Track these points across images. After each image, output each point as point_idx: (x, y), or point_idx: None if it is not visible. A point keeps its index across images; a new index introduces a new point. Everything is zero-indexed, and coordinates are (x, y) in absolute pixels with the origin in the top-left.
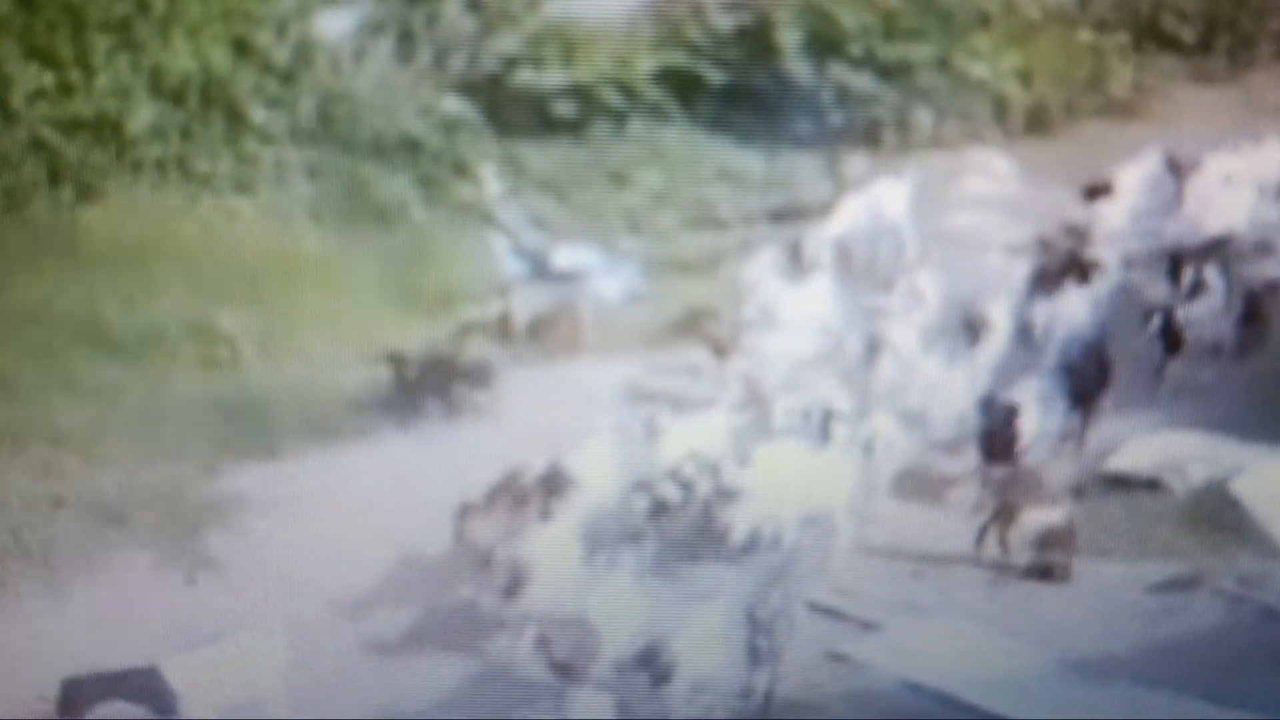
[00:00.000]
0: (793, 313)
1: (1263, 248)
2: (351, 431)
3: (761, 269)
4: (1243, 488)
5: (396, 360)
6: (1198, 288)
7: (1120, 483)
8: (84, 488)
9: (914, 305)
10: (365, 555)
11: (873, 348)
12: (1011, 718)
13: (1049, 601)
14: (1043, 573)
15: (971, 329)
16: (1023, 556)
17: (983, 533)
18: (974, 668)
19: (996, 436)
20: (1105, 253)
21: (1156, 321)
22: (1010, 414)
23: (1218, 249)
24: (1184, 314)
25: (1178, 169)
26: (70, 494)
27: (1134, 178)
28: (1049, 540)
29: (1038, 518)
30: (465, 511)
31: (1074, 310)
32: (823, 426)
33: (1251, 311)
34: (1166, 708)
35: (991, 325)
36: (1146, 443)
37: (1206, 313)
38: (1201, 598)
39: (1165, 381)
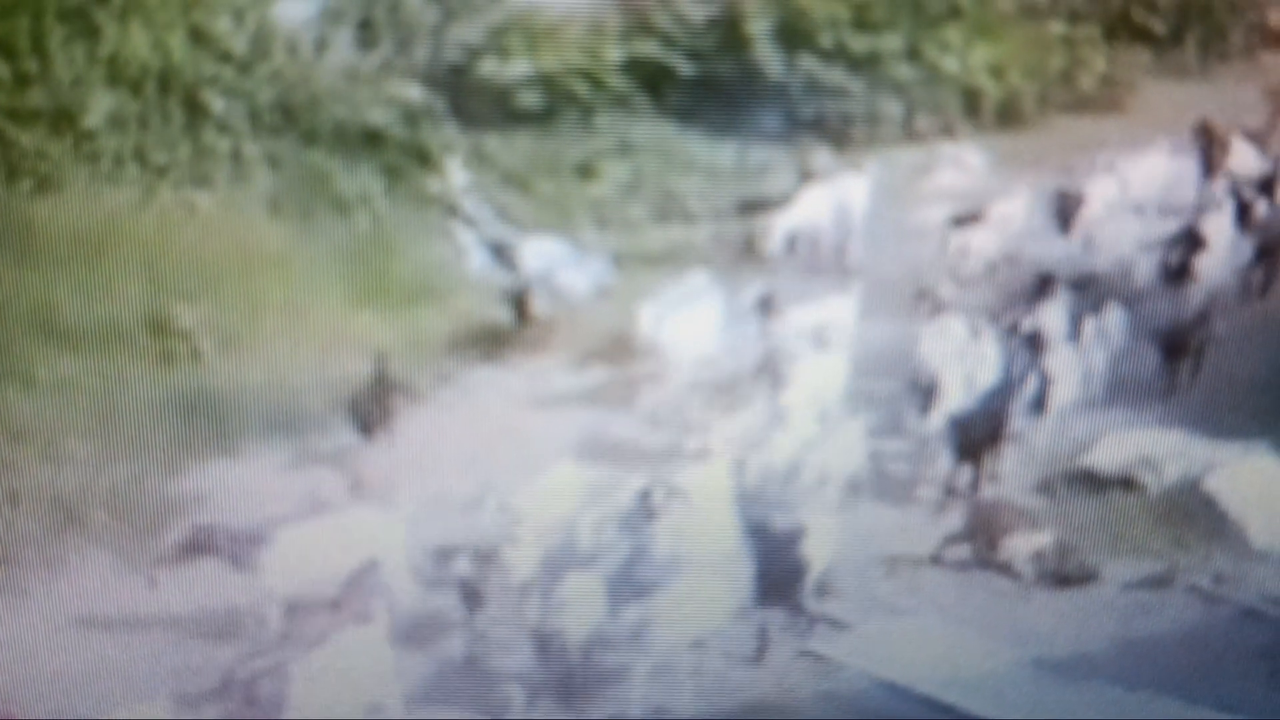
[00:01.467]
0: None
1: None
2: (314, 430)
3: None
4: (1216, 486)
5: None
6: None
7: (1094, 480)
8: (41, 485)
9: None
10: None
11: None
12: (987, 718)
13: (1022, 600)
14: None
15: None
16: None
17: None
18: (949, 667)
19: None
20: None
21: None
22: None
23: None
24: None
25: (1066, 200)
26: (27, 491)
27: (1013, 207)
28: (1046, 556)
29: (1023, 541)
30: None
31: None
32: None
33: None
34: (1142, 708)
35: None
36: (1120, 440)
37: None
38: (1177, 597)
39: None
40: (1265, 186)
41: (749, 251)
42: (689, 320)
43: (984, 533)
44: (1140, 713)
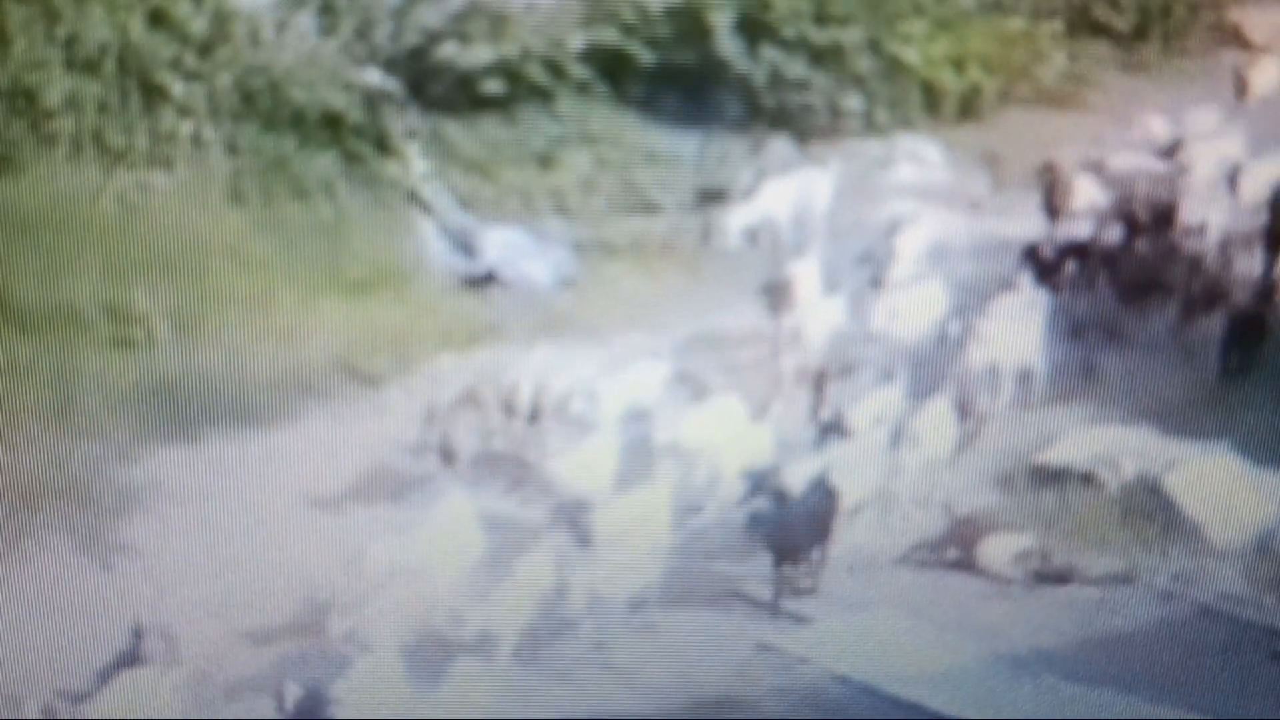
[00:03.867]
0: None
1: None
2: (274, 415)
3: None
4: (1175, 483)
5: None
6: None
7: (1053, 476)
8: None
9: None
10: (289, 541)
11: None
12: (946, 714)
13: (982, 596)
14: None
15: None
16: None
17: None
18: (910, 664)
19: None
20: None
21: None
22: None
23: None
24: None
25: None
26: None
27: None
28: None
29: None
30: None
31: None
32: None
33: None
34: (1103, 706)
35: None
36: (1080, 436)
37: None
38: (1136, 594)
39: None
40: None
41: (712, 239)
42: None
43: (963, 537)
44: (1102, 711)
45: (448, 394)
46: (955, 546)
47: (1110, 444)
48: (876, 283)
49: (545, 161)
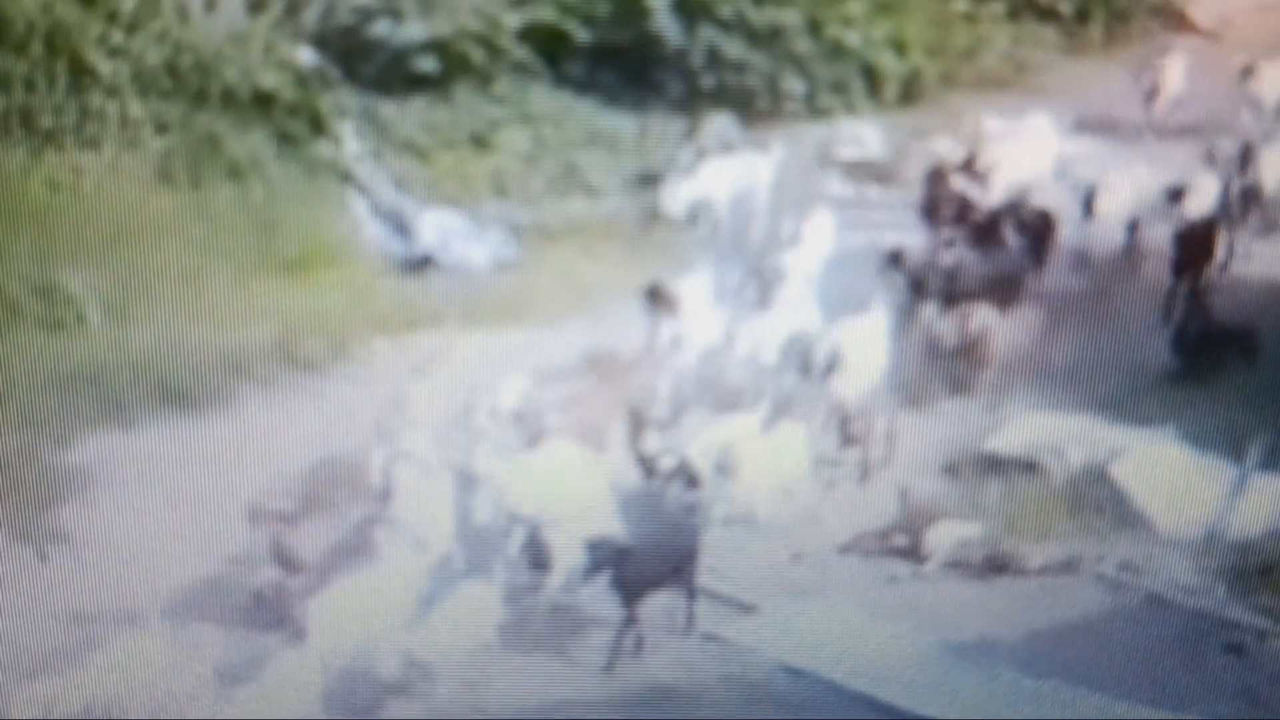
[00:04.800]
0: None
1: None
2: (210, 400)
3: None
4: (1121, 471)
5: None
6: None
7: (998, 464)
8: None
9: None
10: (224, 527)
11: None
12: (895, 705)
13: (931, 585)
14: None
15: None
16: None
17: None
18: (856, 653)
19: None
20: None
21: None
22: None
23: None
24: None
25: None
26: None
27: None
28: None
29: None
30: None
31: None
32: None
33: None
34: (1052, 698)
35: None
36: (1025, 424)
37: None
38: (1084, 584)
39: None
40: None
41: (652, 222)
42: None
43: (911, 524)
44: (1052, 703)
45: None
46: (903, 533)
47: (1056, 432)
48: (763, 303)
49: (482, 142)
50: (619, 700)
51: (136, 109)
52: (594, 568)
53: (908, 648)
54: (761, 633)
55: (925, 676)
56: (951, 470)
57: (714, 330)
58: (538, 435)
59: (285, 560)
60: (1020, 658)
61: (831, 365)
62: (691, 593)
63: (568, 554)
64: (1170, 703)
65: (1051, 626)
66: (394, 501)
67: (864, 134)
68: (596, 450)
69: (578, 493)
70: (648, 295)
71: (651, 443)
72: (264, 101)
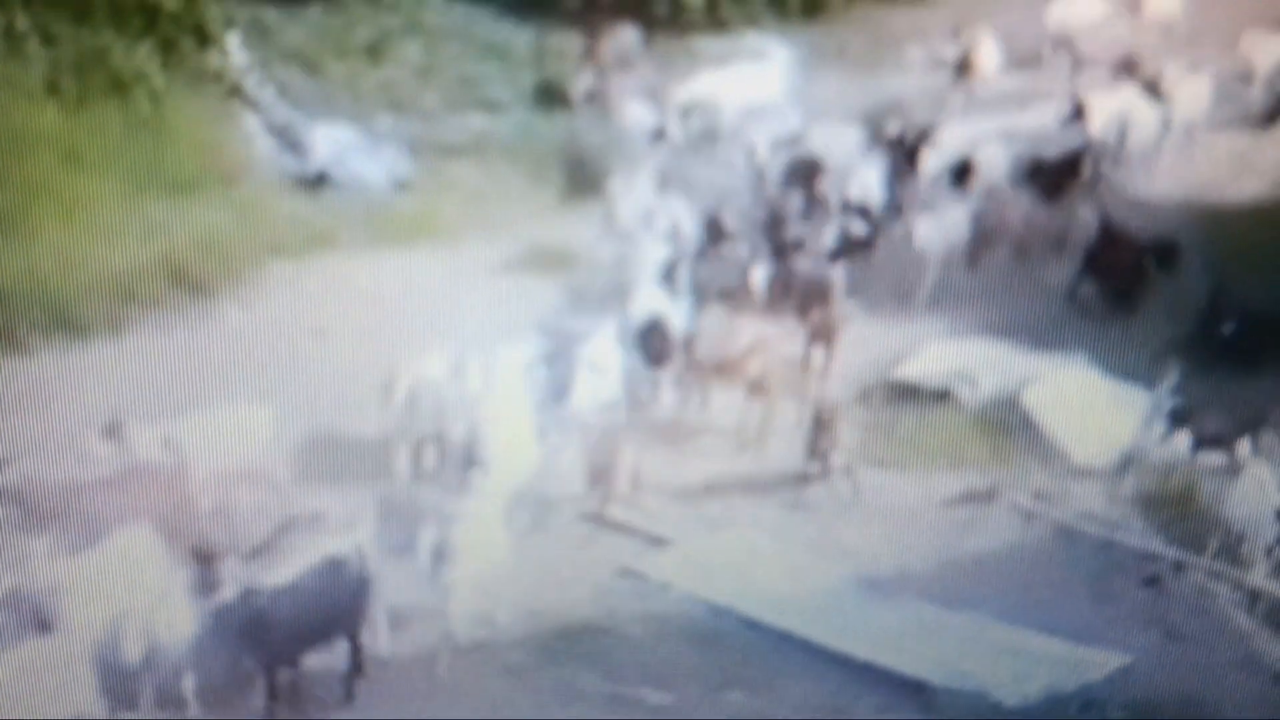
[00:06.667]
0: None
1: None
2: (102, 323)
3: None
4: (1033, 399)
5: None
6: None
7: (910, 392)
8: None
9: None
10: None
11: None
12: (809, 637)
13: (843, 515)
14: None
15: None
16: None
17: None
18: (771, 587)
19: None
20: None
21: None
22: None
23: None
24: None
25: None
26: None
27: None
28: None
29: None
30: None
31: None
32: None
33: None
34: (964, 628)
35: None
36: (937, 351)
37: None
38: (997, 513)
39: None
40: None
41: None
42: None
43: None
44: (962, 634)
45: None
46: (814, 459)
47: (967, 359)
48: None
49: (374, 53)
50: (536, 640)
51: (21, 20)
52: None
53: (822, 580)
54: (676, 567)
55: (839, 609)
56: (865, 397)
57: None
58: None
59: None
60: (934, 589)
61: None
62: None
63: None
64: (1087, 635)
65: (964, 557)
66: None
67: (769, 48)
68: None
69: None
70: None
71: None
72: (149, 11)
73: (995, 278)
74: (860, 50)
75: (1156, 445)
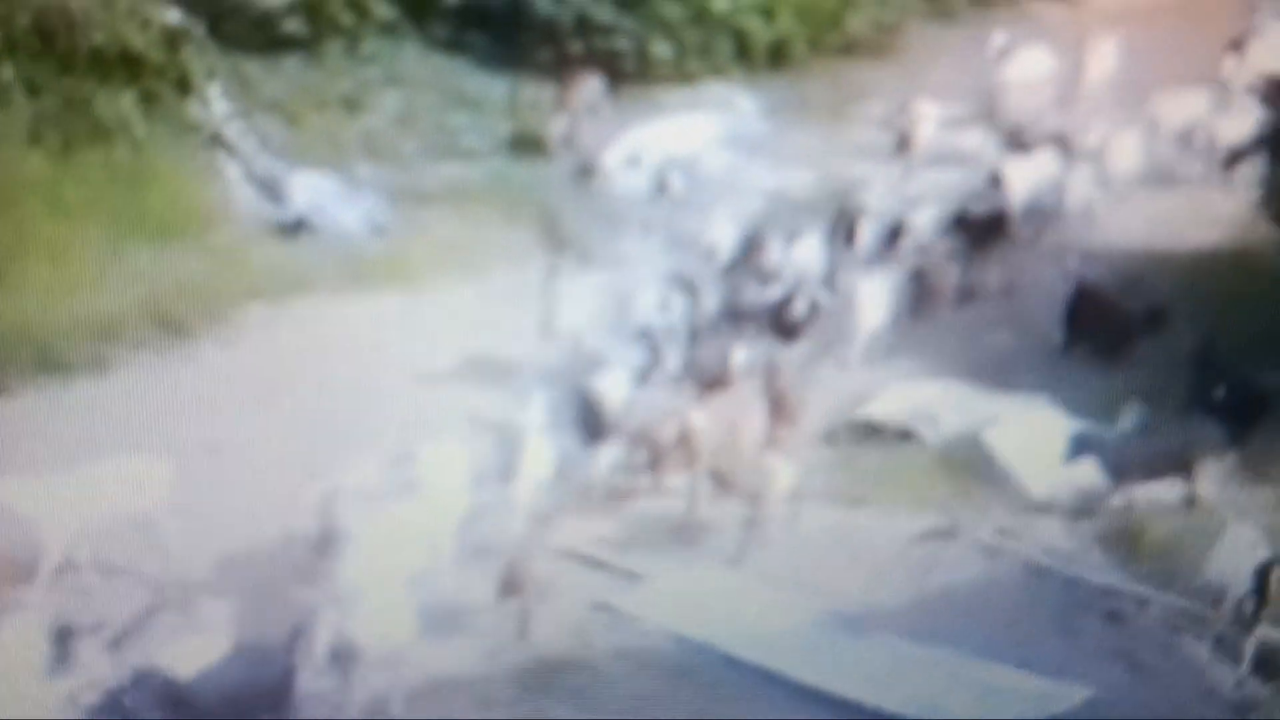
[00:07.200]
0: None
1: None
2: (85, 364)
3: None
4: (995, 439)
5: None
6: None
7: (874, 431)
8: None
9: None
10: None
11: None
12: (783, 673)
13: (815, 551)
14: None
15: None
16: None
17: None
18: (743, 622)
19: None
20: None
21: None
22: None
23: None
24: None
25: None
26: None
27: None
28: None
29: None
30: None
31: None
32: None
33: None
34: (932, 663)
35: None
36: (900, 391)
37: None
38: (961, 550)
39: None
40: None
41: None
42: None
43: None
44: (931, 669)
45: None
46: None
47: (929, 399)
48: None
49: (352, 105)
50: (507, 676)
51: (6, 70)
52: None
53: (794, 616)
54: (650, 601)
55: (810, 643)
56: (831, 436)
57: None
58: None
59: None
60: (904, 625)
61: None
62: None
63: None
64: (1053, 668)
65: (932, 593)
66: None
67: (735, 100)
68: None
69: None
70: None
71: None
72: (131, 62)
73: (956, 322)
74: (821, 102)
75: (1115, 483)
